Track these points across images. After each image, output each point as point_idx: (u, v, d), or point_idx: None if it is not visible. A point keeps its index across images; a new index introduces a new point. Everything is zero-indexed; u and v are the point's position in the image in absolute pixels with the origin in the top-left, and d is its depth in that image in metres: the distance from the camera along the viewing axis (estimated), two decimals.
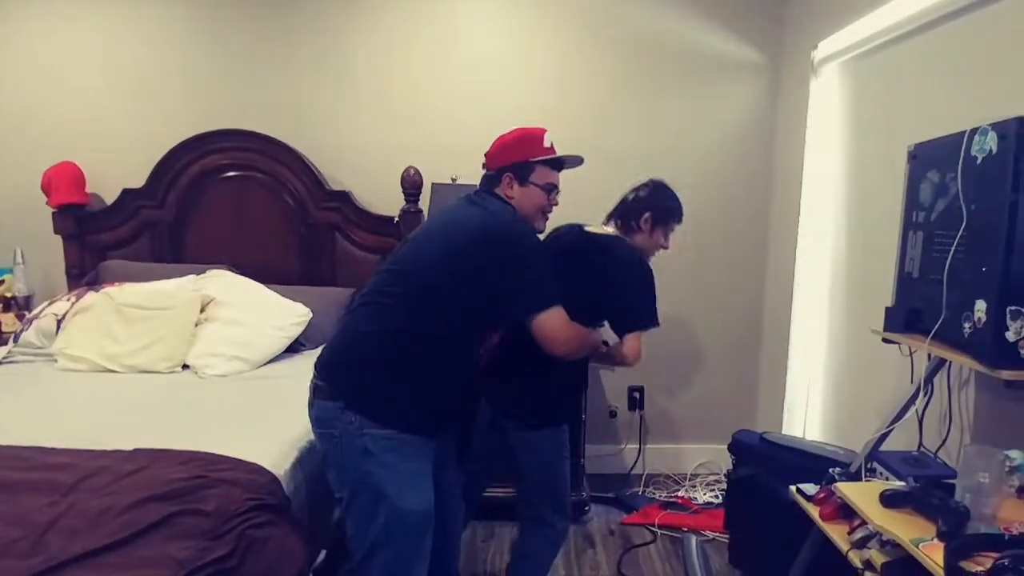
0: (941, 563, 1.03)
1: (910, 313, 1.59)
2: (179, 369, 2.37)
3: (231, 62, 2.96)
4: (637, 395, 3.10)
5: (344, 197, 2.95)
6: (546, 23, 2.94)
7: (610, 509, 2.80)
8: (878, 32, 2.13)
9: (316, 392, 1.56)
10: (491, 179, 1.67)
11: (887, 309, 1.67)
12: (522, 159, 1.63)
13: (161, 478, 1.38)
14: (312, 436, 1.82)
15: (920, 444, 1.73)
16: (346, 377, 1.52)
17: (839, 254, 2.50)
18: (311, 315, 2.62)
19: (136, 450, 1.57)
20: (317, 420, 1.55)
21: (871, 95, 2.29)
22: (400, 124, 2.99)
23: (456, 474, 1.85)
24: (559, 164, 1.69)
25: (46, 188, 2.85)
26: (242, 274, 2.77)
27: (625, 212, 1.89)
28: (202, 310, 2.52)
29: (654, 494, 2.91)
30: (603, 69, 2.96)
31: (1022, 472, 1.20)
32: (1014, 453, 1.25)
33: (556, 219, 1.81)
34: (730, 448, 2.29)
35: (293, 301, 2.65)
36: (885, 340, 1.66)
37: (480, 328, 1.63)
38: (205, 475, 1.43)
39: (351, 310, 1.64)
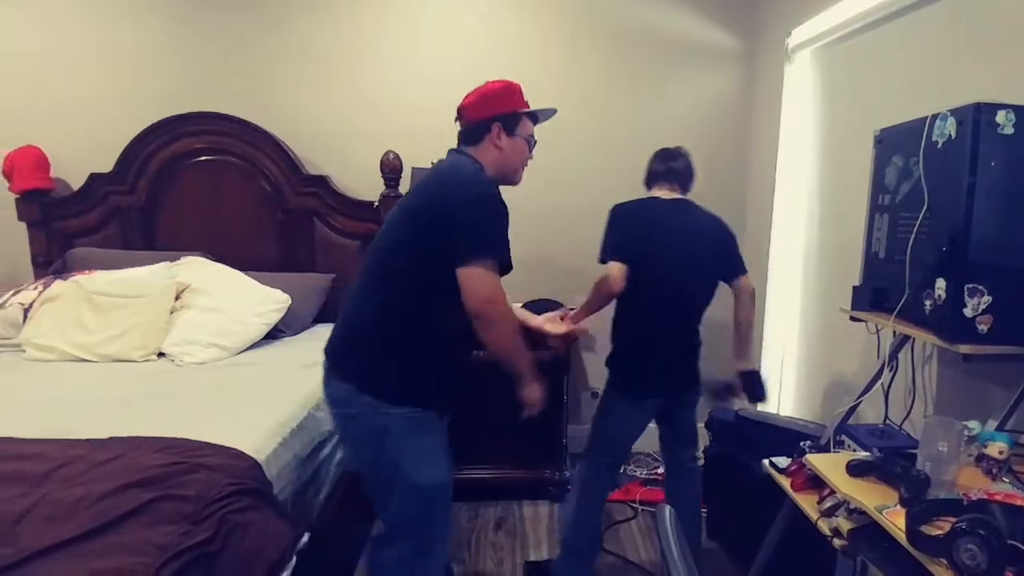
0: (903, 527, 1.08)
1: (876, 292, 1.65)
2: (154, 357, 2.35)
3: (202, 44, 2.90)
4: None
5: (322, 182, 2.92)
6: (523, 7, 2.93)
7: None
8: (848, 20, 2.17)
9: (329, 373, 1.58)
10: (473, 131, 1.61)
11: (854, 288, 1.72)
12: (510, 109, 1.61)
13: (138, 465, 1.37)
14: (295, 421, 1.86)
15: (886, 417, 1.79)
16: (354, 362, 1.54)
17: (812, 236, 2.56)
18: (290, 301, 2.61)
19: (111, 438, 1.55)
20: (332, 400, 1.58)
21: (842, 81, 2.34)
22: (378, 108, 2.96)
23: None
24: (535, 118, 1.69)
25: (8, 173, 2.77)
26: (218, 261, 2.74)
27: (684, 179, 2.04)
28: (177, 297, 2.49)
29: (635, 472, 2.97)
30: (581, 54, 2.97)
31: (980, 441, 1.26)
32: (972, 423, 1.30)
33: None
34: (707, 425, 2.34)
35: (271, 287, 2.63)
36: (853, 318, 1.71)
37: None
38: (184, 461, 1.42)
39: (350, 295, 1.63)
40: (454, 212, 1.44)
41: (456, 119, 1.66)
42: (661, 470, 2.92)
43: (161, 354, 2.36)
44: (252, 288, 2.62)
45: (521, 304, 2.75)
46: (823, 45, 2.42)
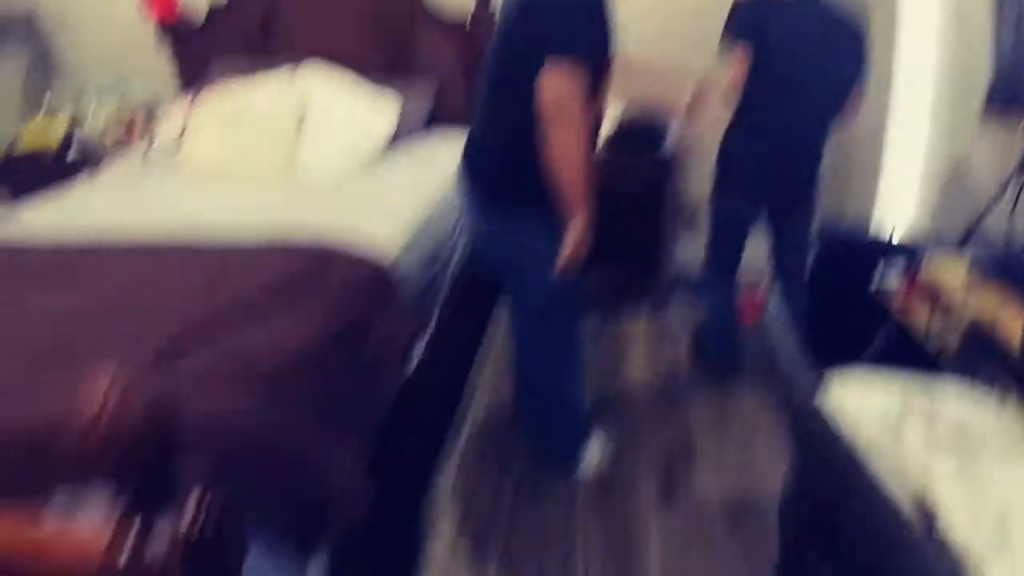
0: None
1: (1007, 87, 1.44)
2: (286, 173, 2.49)
3: None
4: None
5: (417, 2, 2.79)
6: None
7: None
8: None
9: (467, 179, 1.70)
10: None
11: (991, 81, 1.51)
12: None
13: (280, 262, 1.62)
14: (420, 222, 2.04)
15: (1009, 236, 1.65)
16: (491, 169, 1.63)
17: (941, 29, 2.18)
18: (402, 101, 2.68)
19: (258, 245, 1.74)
20: (472, 203, 1.71)
21: None
22: None
23: None
24: None
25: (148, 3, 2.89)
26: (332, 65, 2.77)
27: None
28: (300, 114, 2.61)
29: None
30: None
31: None
32: None
33: None
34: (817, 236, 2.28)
35: (381, 94, 2.68)
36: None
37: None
38: (320, 263, 1.64)
39: (480, 100, 1.66)
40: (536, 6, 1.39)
41: None
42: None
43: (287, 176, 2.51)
44: (366, 97, 2.68)
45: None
46: None
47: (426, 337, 1.89)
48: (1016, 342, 1.08)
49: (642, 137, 2.65)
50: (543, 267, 1.62)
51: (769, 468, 1.94)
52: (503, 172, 1.63)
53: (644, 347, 2.64)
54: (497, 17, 1.63)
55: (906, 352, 1.57)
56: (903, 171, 2.53)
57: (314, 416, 1.27)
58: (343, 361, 1.43)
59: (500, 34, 1.56)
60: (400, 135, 2.68)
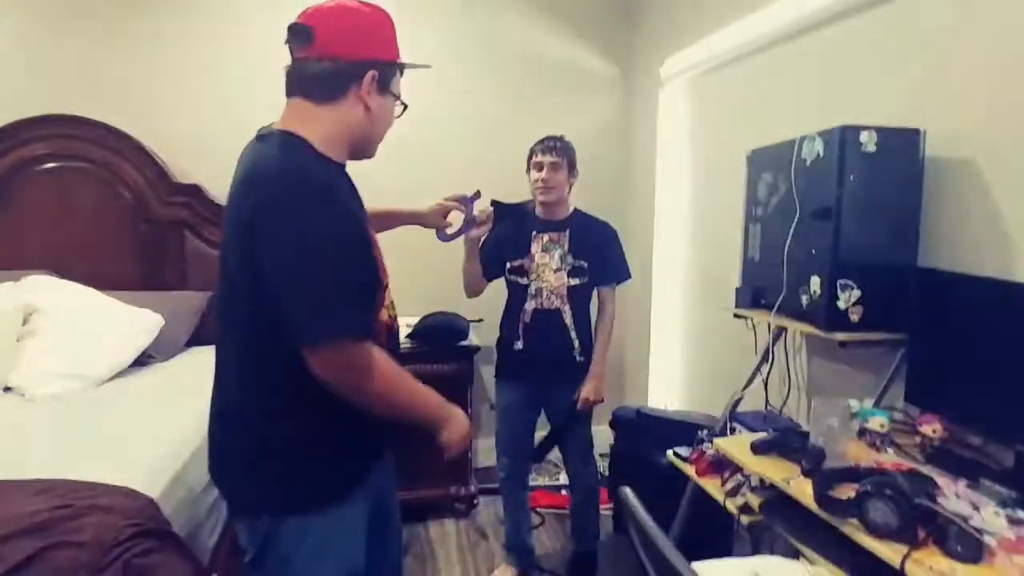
0: (811, 494, 1.23)
1: (755, 291, 1.85)
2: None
3: (55, 39, 2.58)
4: None
5: (194, 191, 2.69)
6: (416, 22, 2.94)
7: (497, 499, 2.84)
8: (716, 53, 2.44)
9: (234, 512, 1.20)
10: (334, 75, 1.09)
11: (737, 289, 1.92)
12: (391, 56, 1.17)
13: (17, 511, 1.17)
14: (187, 451, 1.67)
15: (767, 404, 2.01)
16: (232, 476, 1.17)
17: (691, 247, 2.81)
18: (162, 322, 2.36)
19: None
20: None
21: (713, 107, 2.61)
22: (257, 111, 2.78)
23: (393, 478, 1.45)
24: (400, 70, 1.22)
25: None
26: (70, 281, 2.41)
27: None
28: (24, 323, 2.15)
29: (536, 480, 3.01)
30: (473, 79, 3.06)
31: (861, 417, 1.46)
32: (852, 401, 1.51)
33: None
34: (611, 424, 2.47)
35: (138, 308, 2.36)
36: (736, 316, 1.91)
37: None
38: (71, 504, 1.23)
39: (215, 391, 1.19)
40: (265, 261, 1.00)
41: (293, 44, 1.11)
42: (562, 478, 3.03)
43: (7, 388, 2.02)
44: (115, 309, 2.34)
45: (419, 317, 2.72)
46: (695, 74, 2.69)
47: None
48: (809, 501, 1.23)
49: (443, 331, 2.72)
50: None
51: None
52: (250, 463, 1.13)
53: (456, 550, 2.51)
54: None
55: (707, 513, 1.70)
56: (666, 364, 2.99)
57: None
58: None
59: (224, 263, 1.10)
60: (159, 353, 2.37)
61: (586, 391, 2.10)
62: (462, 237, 1.80)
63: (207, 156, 2.71)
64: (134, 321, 2.32)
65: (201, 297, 2.63)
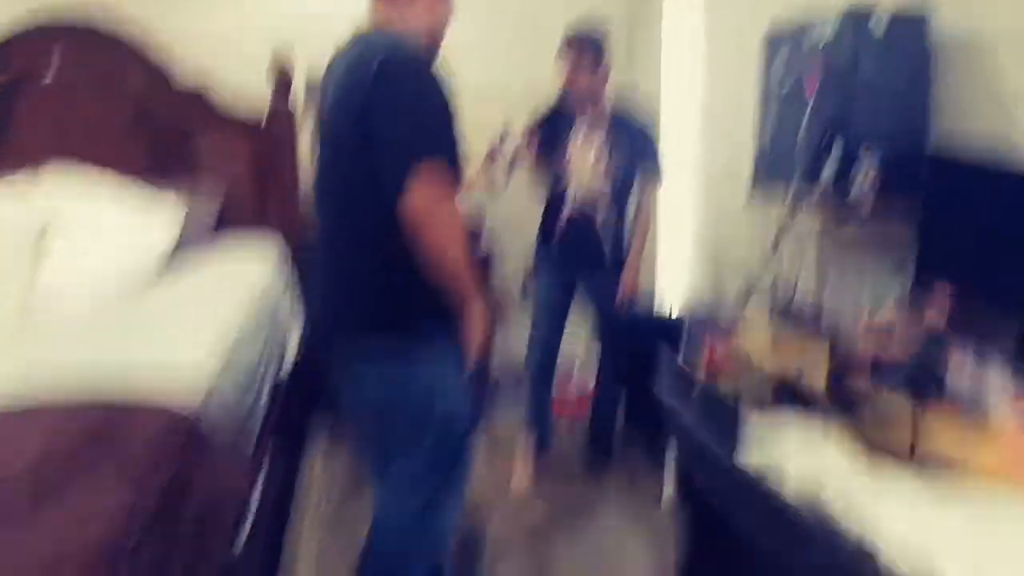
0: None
1: (769, 179, 1.78)
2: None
3: None
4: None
5: (197, 99, 2.56)
6: None
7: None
8: None
9: (364, 357, 1.36)
10: None
11: (751, 174, 1.83)
12: None
13: (58, 428, 1.19)
14: (229, 342, 1.67)
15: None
16: (363, 311, 1.35)
17: (701, 145, 2.67)
18: (186, 209, 2.35)
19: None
20: (361, 374, 1.38)
21: None
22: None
23: None
24: None
25: None
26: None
27: None
28: (43, 234, 2.09)
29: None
30: None
31: (873, 302, 1.46)
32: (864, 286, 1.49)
33: None
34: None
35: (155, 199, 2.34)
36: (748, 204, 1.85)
37: None
38: (111, 420, 1.25)
39: (321, 263, 1.43)
40: (377, 114, 1.19)
41: None
42: None
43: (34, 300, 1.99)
44: (136, 201, 2.30)
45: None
46: None
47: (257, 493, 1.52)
48: (822, 388, 1.21)
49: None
50: (454, 407, 1.39)
51: None
52: (384, 297, 1.33)
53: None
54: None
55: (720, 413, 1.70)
56: (677, 254, 2.91)
57: None
58: (155, 550, 1.05)
59: (332, 138, 1.33)
60: (185, 244, 2.33)
61: (625, 277, 2.22)
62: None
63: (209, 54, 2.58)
64: (159, 213, 2.29)
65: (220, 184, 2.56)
